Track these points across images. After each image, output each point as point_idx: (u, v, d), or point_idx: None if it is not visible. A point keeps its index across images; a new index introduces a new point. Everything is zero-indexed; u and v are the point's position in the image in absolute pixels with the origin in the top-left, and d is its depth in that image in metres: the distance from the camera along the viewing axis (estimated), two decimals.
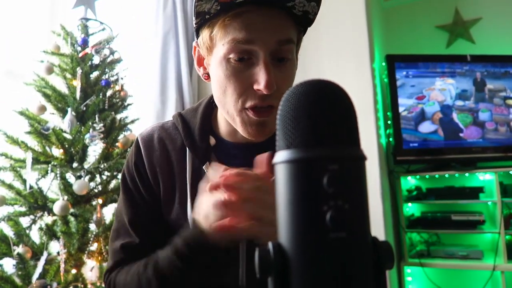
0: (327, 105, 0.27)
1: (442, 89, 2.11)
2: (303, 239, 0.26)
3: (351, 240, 0.25)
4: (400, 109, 2.12)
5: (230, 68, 0.59)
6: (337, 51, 2.10)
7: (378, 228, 1.98)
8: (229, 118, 0.64)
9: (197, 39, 0.65)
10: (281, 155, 0.27)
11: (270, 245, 0.27)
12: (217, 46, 0.60)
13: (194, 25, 0.62)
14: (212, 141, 0.70)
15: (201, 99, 0.77)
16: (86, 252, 1.30)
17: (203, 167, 0.67)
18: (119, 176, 1.56)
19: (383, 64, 2.24)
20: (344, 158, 0.26)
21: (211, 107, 0.74)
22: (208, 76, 0.67)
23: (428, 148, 2.10)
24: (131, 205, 0.70)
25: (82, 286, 1.28)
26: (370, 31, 2.10)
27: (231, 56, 0.58)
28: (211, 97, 0.73)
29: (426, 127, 2.10)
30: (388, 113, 2.22)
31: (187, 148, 0.69)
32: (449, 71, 2.13)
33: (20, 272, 1.21)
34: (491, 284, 1.97)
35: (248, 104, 0.59)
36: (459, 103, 2.11)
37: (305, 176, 0.26)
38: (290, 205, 0.26)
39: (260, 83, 0.57)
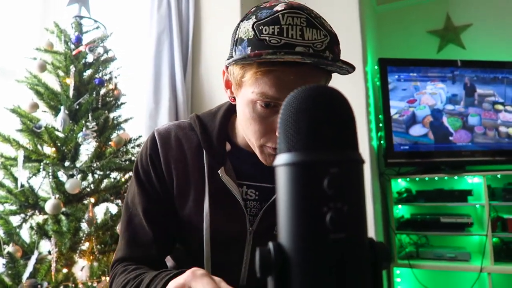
0: (328, 110, 0.28)
1: (433, 93, 2.15)
2: (303, 239, 0.26)
3: (350, 241, 0.26)
4: (392, 112, 2.15)
5: (257, 111, 0.62)
6: None
7: (369, 230, 2.00)
8: (250, 144, 0.69)
9: (228, 65, 0.65)
10: (283, 158, 0.28)
11: (270, 245, 0.28)
12: (247, 89, 0.62)
13: (230, 51, 0.65)
14: (228, 146, 0.74)
15: (220, 104, 0.80)
16: (77, 251, 1.29)
17: (218, 171, 0.70)
18: (112, 175, 1.55)
19: (376, 67, 2.27)
20: (344, 162, 0.27)
21: (229, 114, 0.77)
22: (234, 99, 0.70)
23: (418, 151, 2.13)
24: (145, 195, 0.73)
25: (73, 285, 1.27)
26: (363, 34, 2.12)
27: (259, 103, 0.62)
28: (230, 104, 0.76)
29: (417, 131, 2.13)
30: (380, 116, 2.25)
31: (204, 151, 0.72)
32: (439, 75, 2.17)
33: (10, 272, 1.19)
34: (478, 286, 2.01)
35: (269, 144, 0.64)
36: (449, 107, 2.15)
37: (306, 179, 0.27)
38: (290, 207, 0.27)
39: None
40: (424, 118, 2.13)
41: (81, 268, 1.35)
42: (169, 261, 0.81)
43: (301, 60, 0.56)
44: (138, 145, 1.66)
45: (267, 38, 0.57)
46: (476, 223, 2.13)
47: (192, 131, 0.75)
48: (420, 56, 2.39)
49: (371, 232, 2.00)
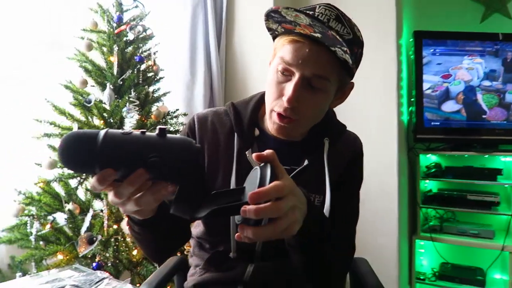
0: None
1: (470, 68, 2.08)
2: None
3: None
4: (425, 86, 2.12)
5: (276, 77, 0.76)
6: (362, 25, 2.08)
7: (392, 202, 2.07)
8: (267, 112, 0.80)
9: (272, 37, 0.81)
10: None
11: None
12: (276, 56, 0.77)
13: (271, 35, 0.80)
14: (256, 132, 0.86)
15: (253, 94, 0.92)
16: None
17: (246, 152, 0.81)
18: None
19: (411, 40, 2.21)
20: None
21: (260, 103, 0.88)
22: None
23: (450, 127, 2.11)
24: None
25: (122, 239, 1.48)
26: (398, 5, 2.06)
27: (279, 68, 0.74)
28: (262, 95, 0.88)
29: (449, 106, 2.10)
30: (413, 91, 2.22)
31: (236, 134, 0.84)
32: (478, 49, 2.08)
33: (71, 225, 1.42)
34: (499, 263, 2.04)
35: (276, 109, 0.76)
36: (486, 83, 2.08)
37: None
38: None
39: (285, 96, 0.73)
40: (458, 94, 2.09)
41: (127, 223, 1.56)
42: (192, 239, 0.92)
43: (308, 27, 0.67)
44: (176, 117, 1.80)
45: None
46: (504, 202, 2.11)
47: (226, 117, 0.88)
48: (461, 26, 2.28)
49: (395, 205, 2.06)
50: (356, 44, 0.74)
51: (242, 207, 0.47)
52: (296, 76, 0.72)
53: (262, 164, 0.52)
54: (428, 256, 2.33)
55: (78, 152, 0.45)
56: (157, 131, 0.47)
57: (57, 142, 1.52)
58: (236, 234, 0.50)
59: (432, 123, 2.12)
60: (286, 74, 0.74)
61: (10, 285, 0.71)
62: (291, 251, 0.70)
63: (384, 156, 2.07)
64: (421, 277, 2.22)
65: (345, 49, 0.65)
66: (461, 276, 2.10)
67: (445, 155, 2.28)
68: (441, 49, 2.11)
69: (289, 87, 0.72)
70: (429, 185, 2.38)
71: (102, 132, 0.45)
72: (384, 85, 2.07)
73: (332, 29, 0.68)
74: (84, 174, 1.51)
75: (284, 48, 0.73)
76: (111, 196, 0.50)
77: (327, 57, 0.70)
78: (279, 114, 0.75)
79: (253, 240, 0.49)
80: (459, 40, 2.10)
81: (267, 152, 0.53)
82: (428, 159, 2.36)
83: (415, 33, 2.13)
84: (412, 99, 2.20)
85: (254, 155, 0.53)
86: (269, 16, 0.73)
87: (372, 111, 2.11)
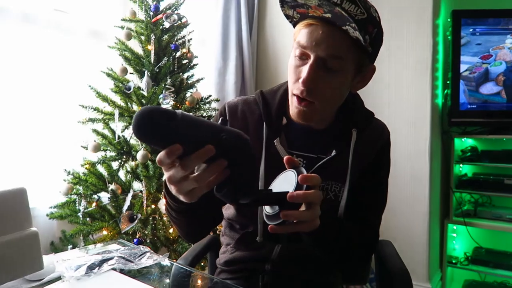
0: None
1: None
2: None
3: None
4: (462, 68, 2.04)
5: (294, 61, 0.78)
6: (397, 6, 2.03)
7: (423, 185, 2.05)
8: (289, 97, 0.82)
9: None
10: None
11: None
12: (295, 42, 0.78)
13: (290, 23, 0.82)
14: (284, 121, 0.88)
15: (281, 83, 0.94)
16: (162, 191, 1.59)
17: (274, 141, 0.85)
18: None
19: (449, 20, 2.12)
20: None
21: (287, 92, 0.88)
22: None
23: (487, 110, 2.04)
24: None
25: (159, 217, 1.60)
26: None
27: (296, 53, 0.77)
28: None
29: (488, 88, 2.02)
30: (449, 73, 2.15)
31: (264, 123, 0.87)
32: None
33: (113, 204, 1.54)
34: None
35: (294, 91, 0.78)
36: None
37: None
38: None
39: (301, 78, 0.75)
40: (498, 76, 2.00)
41: (164, 204, 1.66)
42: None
43: (318, 8, 0.69)
44: (209, 103, 1.87)
45: None
46: None
47: (256, 105, 0.90)
48: (505, 2, 2.15)
49: (426, 189, 2.04)
50: (371, 24, 0.73)
51: (288, 195, 0.57)
52: (312, 57, 0.73)
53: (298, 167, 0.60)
54: (461, 240, 2.30)
55: (159, 125, 0.47)
56: (219, 121, 0.53)
57: (99, 127, 1.63)
58: (269, 227, 0.59)
59: (469, 106, 2.05)
60: (303, 58, 0.76)
61: (68, 255, 0.81)
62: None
63: (417, 140, 2.05)
64: (453, 261, 2.20)
65: (353, 25, 0.66)
66: (495, 261, 2.07)
67: (482, 138, 2.21)
68: (482, 29, 2.01)
69: (305, 69, 0.74)
70: (464, 169, 2.32)
71: (179, 111, 0.50)
72: (418, 67, 2.02)
73: (339, 6, 0.69)
74: (124, 157, 1.63)
75: (300, 33, 0.75)
76: (173, 171, 0.53)
77: (341, 37, 0.71)
78: (297, 97, 0.77)
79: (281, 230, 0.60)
80: (502, 18, 1.98)
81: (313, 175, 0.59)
82: (464, 142, 2.30)
83: (453, 12, 2.04)
84: (448, 82, 2.13)
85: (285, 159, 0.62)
86: (283, 2, 0.75)
87: (405, 94, 2.07)
